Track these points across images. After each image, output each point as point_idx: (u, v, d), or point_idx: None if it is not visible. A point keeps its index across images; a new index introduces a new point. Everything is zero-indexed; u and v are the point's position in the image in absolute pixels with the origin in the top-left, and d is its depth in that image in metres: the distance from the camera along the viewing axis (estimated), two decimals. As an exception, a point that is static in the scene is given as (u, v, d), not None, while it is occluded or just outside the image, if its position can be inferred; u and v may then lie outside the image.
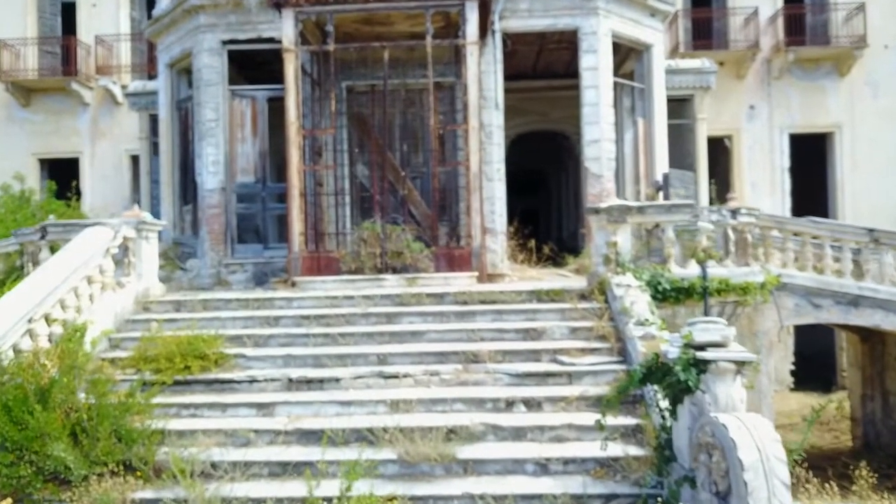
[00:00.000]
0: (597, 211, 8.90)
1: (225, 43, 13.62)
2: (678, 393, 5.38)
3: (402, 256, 10.72)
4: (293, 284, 10.68)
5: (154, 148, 16.86)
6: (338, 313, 8.69)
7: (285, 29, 11.04)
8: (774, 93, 19.39)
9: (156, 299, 9.31)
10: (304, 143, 11.64)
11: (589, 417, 6.59)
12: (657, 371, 5.65)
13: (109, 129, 20.15)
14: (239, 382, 7.58)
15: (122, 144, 19.88)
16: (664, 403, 5.85)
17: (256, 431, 6.70)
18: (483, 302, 8.83)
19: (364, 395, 7.28)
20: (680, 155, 16.35)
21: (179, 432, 6.68)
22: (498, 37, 13.16)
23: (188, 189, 14.65)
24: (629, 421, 6.52)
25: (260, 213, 13.85)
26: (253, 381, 7.57)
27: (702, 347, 5.33)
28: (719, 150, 19.17)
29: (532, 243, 13.62)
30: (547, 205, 26.16)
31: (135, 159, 19.06)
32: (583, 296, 8.85)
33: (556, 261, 13.94)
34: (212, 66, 13.53)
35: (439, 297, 9.00)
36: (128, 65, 20.04)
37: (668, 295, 8.81)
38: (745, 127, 19.35)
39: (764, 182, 19.25)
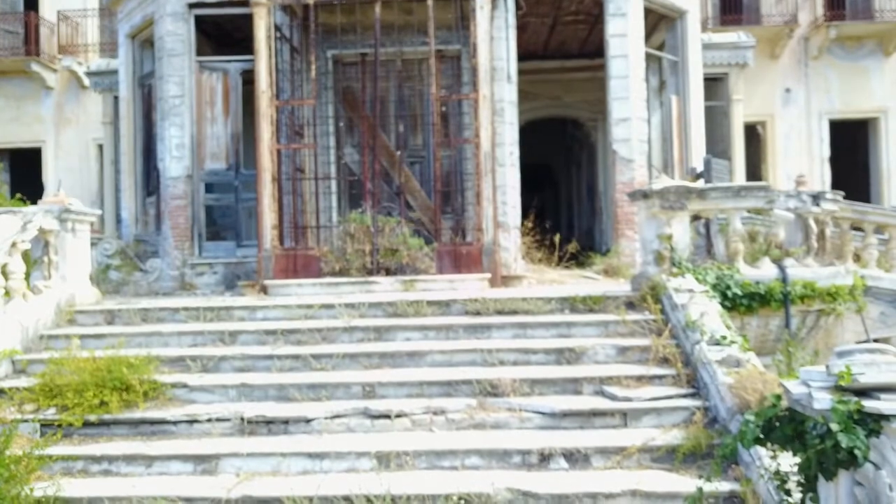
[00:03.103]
0: (646, 195, 6.92)
1: (191, 6, 11.63)
2: (828, 464, 3.39)
3: (397, 254, 8.76)
4: (264, 289, 8.71)
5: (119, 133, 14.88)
6: (313, 327, 6.71)
7: (255, -22, 9.06)
8: (812, 74, 17.43)
9: (84, 308, 7.32)
10: (280, 118, 9.65)
11: (658, 479, 4.64)
12: (784, 426, 3.68)
13: (76, 115, 18.16)
14: (174, 423, 5.60)
15: (90, 132, 17.87)
16: (784, 466, 3.90)
17: (189, 501, 4.71)
18: (500, 312, 6.85)
19: (343, 442, 5.30)
20: (712, 141, 14.39)
21: (80, 502, 4.69)
22: (511, -2, 11.19)
23: (151, 178, 12.66)
24: (719, 487, 4.52)
25: (232, 204, 11.87)
26: (193, 421, 5.59)
27: (866, 391, 3.36)
28: (751, 138, 17.19)
29: (550, 239, 11.67)
30: (554, 201, 24.25)
31: (104, 149, 17.06)
32: (630, 304, 6.89)
33: (578, 260, 12.05)
34: (176, 34, 11.55)
35: (444, 306, 7.02)
36: (95, 43, 18.05)
37: (738, 302, 6.84)
38: (780, 112, 17.38)
39: (801, 173, 17.23)
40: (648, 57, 12.16)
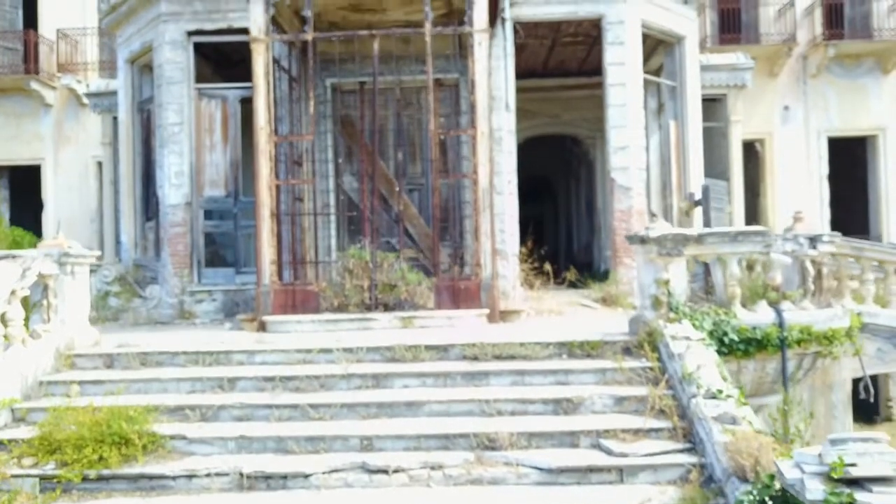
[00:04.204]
0: (643, 240, 6.94)
1: (191, 34, 11.69)
2: (821, 555, 3.42)
3: (395, 290, 8.78)
4: (262, 326, 8.73)
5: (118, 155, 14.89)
6: (311, 374, 6.73)
7: (254, 14, 9.09)
8: (811, 92, 17.46)
9: (83, 351, 7.34)
10: (279, 151, 9.67)
11: (654, 543, 4.66)
12: (777, 508, 3.70)
13: (75, 133, 18.16)
14: (173, 479, 5.62)
15: (89, 150, 17.87)
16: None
17: (186, 565, 4.74)
18: (499, 357, 6.87)
19: (341, 499, 5.33)
20: (710, 162, 14.40)
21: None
22: (509, 26, 11.25)
23: (151, 203, 12.68)
24: (715, 554, 4.55)
25: (231, 231, 11.91)
26: (192, 476, 5.61)
27: (858, 482, 3.38)
28: (749, 156, 17.21)
29: (548, 267, 11.68)
30: (553, 213, 24.29)
31: (103, 167, 17.07)
32: (627, 349, 6.90)
33: (575, 284, 12.07)
34: (175, 62, 11.59)
35: (443, 351, 7.04)
36: (94, 62, 18.06)
37: (735, 347, 6.86)
38: (779, 130, 17.40)
39: (800, 191, 17.29)
40: (647, 80, 12.19)
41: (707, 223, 11.12)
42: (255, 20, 9.06)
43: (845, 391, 8.62)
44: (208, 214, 11.84)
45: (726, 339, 6.79)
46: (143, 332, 9.68)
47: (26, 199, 18.85)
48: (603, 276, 13.93)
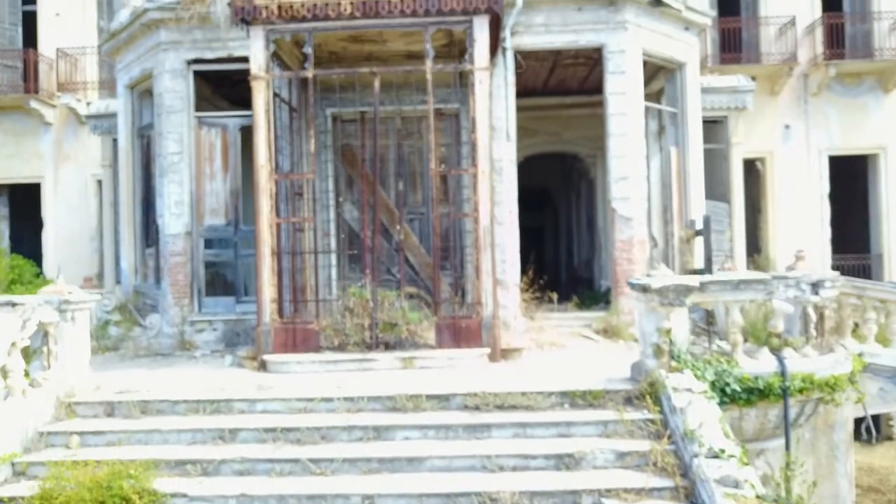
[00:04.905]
0: (645, 289, 6.92)
1: (190, 63, 11.66)
2: None
3: (396, 329, 8.77)
4: (263, 365, 8.71)
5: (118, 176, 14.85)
6: (312, 425, 6.71)
7: (254, 51, 9.06)
8: (812, 111, 17.44)
9: (84, 399, 7.32)
10: (279, 187, 9.65)
11: None
12: None
13: (74, 151, 18.15)
14: (174, 541, 5.60)
15: (89, 169, 17.84)
16: None
17: None
18: (500, 408, 6.86)
19: (342, 564, 5.32)
20: (710, 183, 14.37)
21: None
22: (510, 55, 11.23)
23: (151, 229, 12.66)
24: None
25: (232, 260, 11.89)
26: (192, 539, 5.60)
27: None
28: (749, 174, 17.19)
29: (552, 294, 11.71)
30: (553, 223, 24.28)
31: (103, 185, 17.02)
32: (629, 399, 6.88)
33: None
34: (175, 91, 11.57)
35: (444, 400, 7.02)
36: (94, 81, 18.03)
37: (737, 397, 6.85)
38: (780, 149, 17.39)
39: (800, 210, 17.27)
40: (648, 107, 12.15)
41: (708, 255, 11.09)
42: (256, 57, 9.03)
43: (847, 431, 8.61)
44: (208, 243, 11.82)
45: (728, 390, 6.78)
46: (143, 367, 9.66)
47: (26, 217, 18.83)
48: (603, 297, 13.94)
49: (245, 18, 8.93)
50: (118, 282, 14.24)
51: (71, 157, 18.14)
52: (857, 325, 8.85)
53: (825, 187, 17.39)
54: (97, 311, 11.77)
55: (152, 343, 11.33)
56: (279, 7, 8.82)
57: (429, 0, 8.66)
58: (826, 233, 17.34)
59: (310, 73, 9.09)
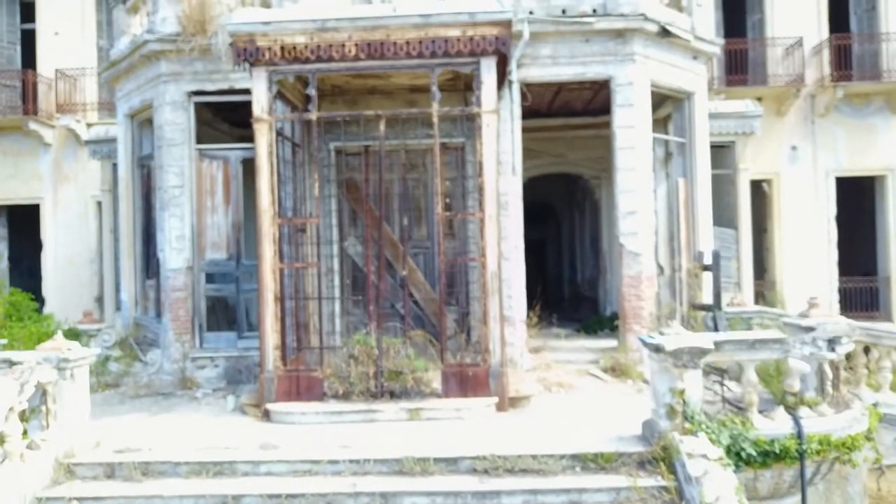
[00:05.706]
0: (658, 349, 6.75)
1: (191, 95, 11.48)
2: None
3: (401, 377, 8.58)
4: (266, 414, 8.54)
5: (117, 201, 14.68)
6: (317, 491, 6.53)
7: (257, 93, 8.87)
8: (819, 132, 17.28)
9: (84, 459, 7.14)
10: (282, 197, 9.44)
11: None
12: None
13: (74, 172, 17.99)
14: None
15: (89, 190, 17.69)
16: None
17: None
18: (510, 472, 6.69)
19: None
20: (717, 208, 14.21)
21: None
22: (515, 88, 11.06)
23: (151, 261, 12.49)
24: None
25: (233, 295, 11.70)
26: None
27: None
28: (756, 195, 17.02)
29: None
30: (556, 236, 24.12)
31: (102, 207, 16.85)
32: (642, 463, 6.71)
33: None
34: (175, 123, 11.39)
35: (452, 463, 6.85)
36: (94, 102, 17.86)
37: (752, 460, 6.68)
38: (787, 170, 17.23)
39: (807, 232, 17.12)
40: (656, 138, 11.97)
41: (717, 291, 10.92)
42: (258, 99, 8.84)
43: (861, 482, 8.43)
44: (210, 277, 11.64)
45: (744, 455, 6.61)
46: (144, 411, 9.47)
47: (26, 238, 18.68)
48: (609, 322, 13.78)
49: (248, 60, 8.74)
50: (118, 308, 14.08)
51: (70, 178, 17.98)
52: (869, 370, 8.67)
53: (832, 209, 17.22)
54: (97, 345, 11.59)
55: (153, 380, 11.15)
56: (282, 48, 8.64)
57: (435, 42, 8.48)
58: (833, 254, 17.17)
59: (314, 115, 8.91)
